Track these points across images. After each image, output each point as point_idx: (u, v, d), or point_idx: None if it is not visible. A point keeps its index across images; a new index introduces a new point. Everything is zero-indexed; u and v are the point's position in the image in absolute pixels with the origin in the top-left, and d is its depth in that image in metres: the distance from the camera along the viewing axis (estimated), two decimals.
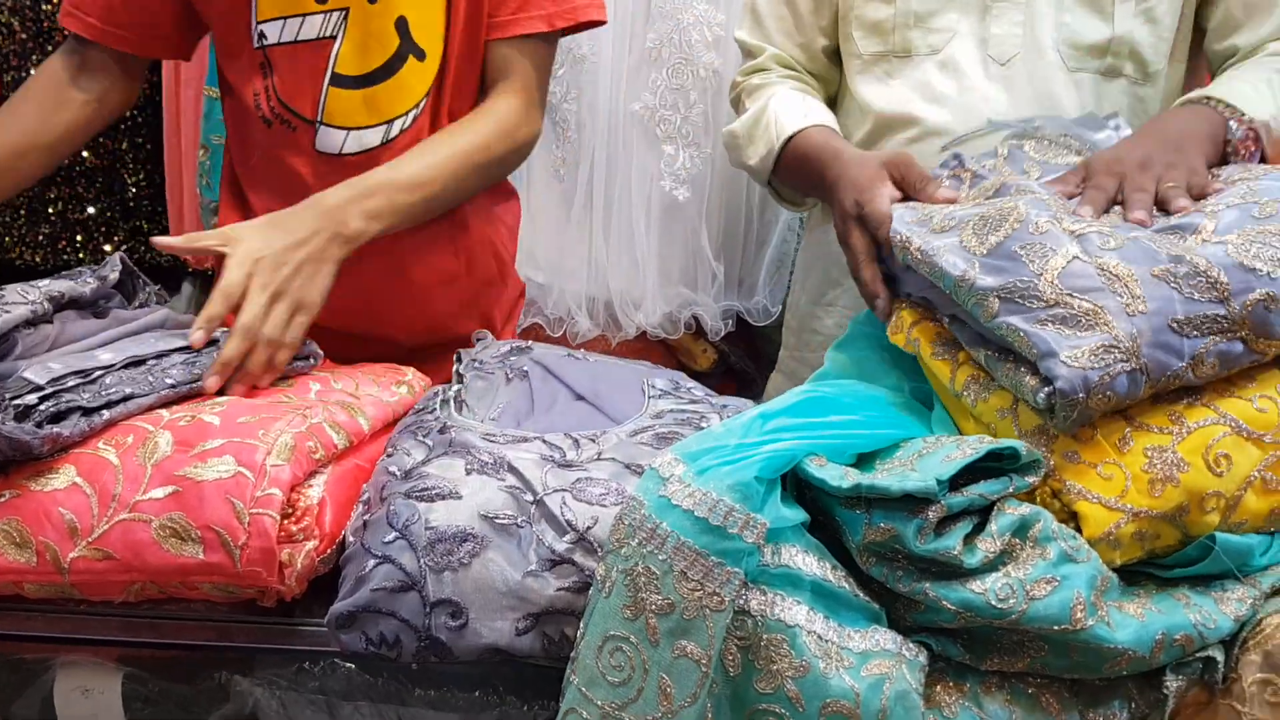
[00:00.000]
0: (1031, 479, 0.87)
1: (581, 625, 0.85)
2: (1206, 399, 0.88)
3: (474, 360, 1.21)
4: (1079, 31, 1.31)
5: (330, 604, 0.90)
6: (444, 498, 0.91)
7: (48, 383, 0.97)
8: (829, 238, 1.25)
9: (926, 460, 0.86)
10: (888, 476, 0.84)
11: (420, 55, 1.34)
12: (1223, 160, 1.12)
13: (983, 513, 0.85)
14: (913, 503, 0.82)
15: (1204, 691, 0.85)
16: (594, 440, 1.00)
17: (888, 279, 1.06)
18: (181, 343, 1.11)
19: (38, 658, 0.97)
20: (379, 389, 1.16)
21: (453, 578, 0.87)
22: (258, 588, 0.93)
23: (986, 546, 0.82)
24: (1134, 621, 0.83)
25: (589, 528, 0.88)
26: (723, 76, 1.85)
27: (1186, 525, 0.86)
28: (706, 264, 1.96)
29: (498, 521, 0.89)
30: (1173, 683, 0.83)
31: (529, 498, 0.91)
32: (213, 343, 1.12)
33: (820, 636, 0.82)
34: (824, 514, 0.87)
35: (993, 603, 0.81)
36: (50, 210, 1.99)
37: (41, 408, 0.95)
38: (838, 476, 0.85)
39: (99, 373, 1.01)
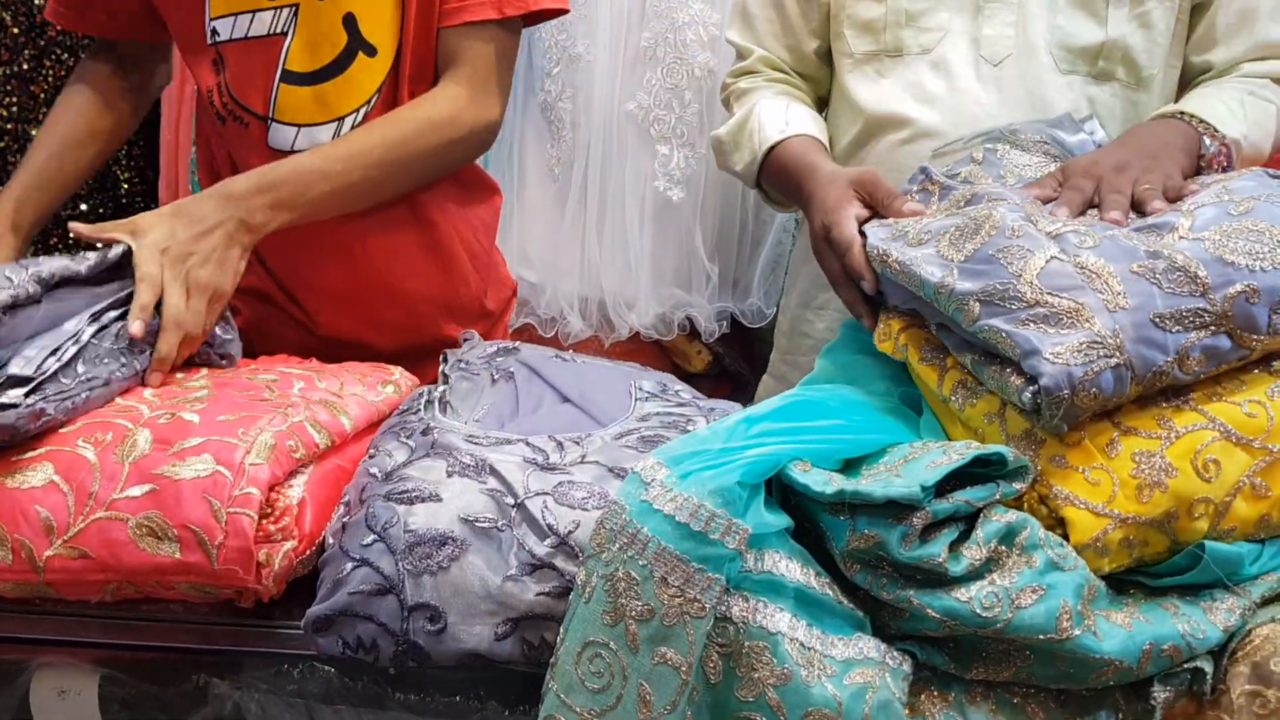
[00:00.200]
0: (1018, 485, 0.86)
1: (561, 631, 0.84)
2: (1195, 403, 0.88)
3: (460, 361, 1.20)
4: (1072, 34, 1.30)
5: (309, 606, 0.89)
6: (424, 500, 0.90)
7: (35, 371, 0.97)
8: None
9: (912, 466, 0.85)
10: (872, 482, 0.83)
11: (371, 51, 1.34)
12: (1196, 173, 1.13)
13: (968, 520, 0.84)
14: (897, 509, 0.81)
15: (1192, 703, 0.84)
16: (578, 443, 0.98)
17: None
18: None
19: (14, 659, 0.96)
20: (364, 388, 1.15)
21: (431, 581, 0.86)
22: (235, 588, 0.92)
23: (972, 554, 0.81)
24: (1121, 631, 0.82)
25: (570, 532, 0.87)
26: (718, 76, 1.84)
27: (1175, 532, 0.85)
28: (700, 265, 1.95)
29: (478, 525, 0.88)
30: (1160, 693, 0.83)
31: (510, 501, 0.90)
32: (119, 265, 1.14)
33: (803, 644, 0.81)
34: (808, 520, 0.86)
35: (977, 611, 0.80)
36: None
37: (29, 402, 0.95)
38: (822, 482, 0.84)
39: (69, 346, 1.02)
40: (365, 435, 1.09)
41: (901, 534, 0.81)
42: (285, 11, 1.32)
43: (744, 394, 1.88)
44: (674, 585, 0.80)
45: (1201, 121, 1.17)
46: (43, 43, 1.90)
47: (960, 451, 0.85)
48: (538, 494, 0.90)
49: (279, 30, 1.33)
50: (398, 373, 1.22)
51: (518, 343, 1.29)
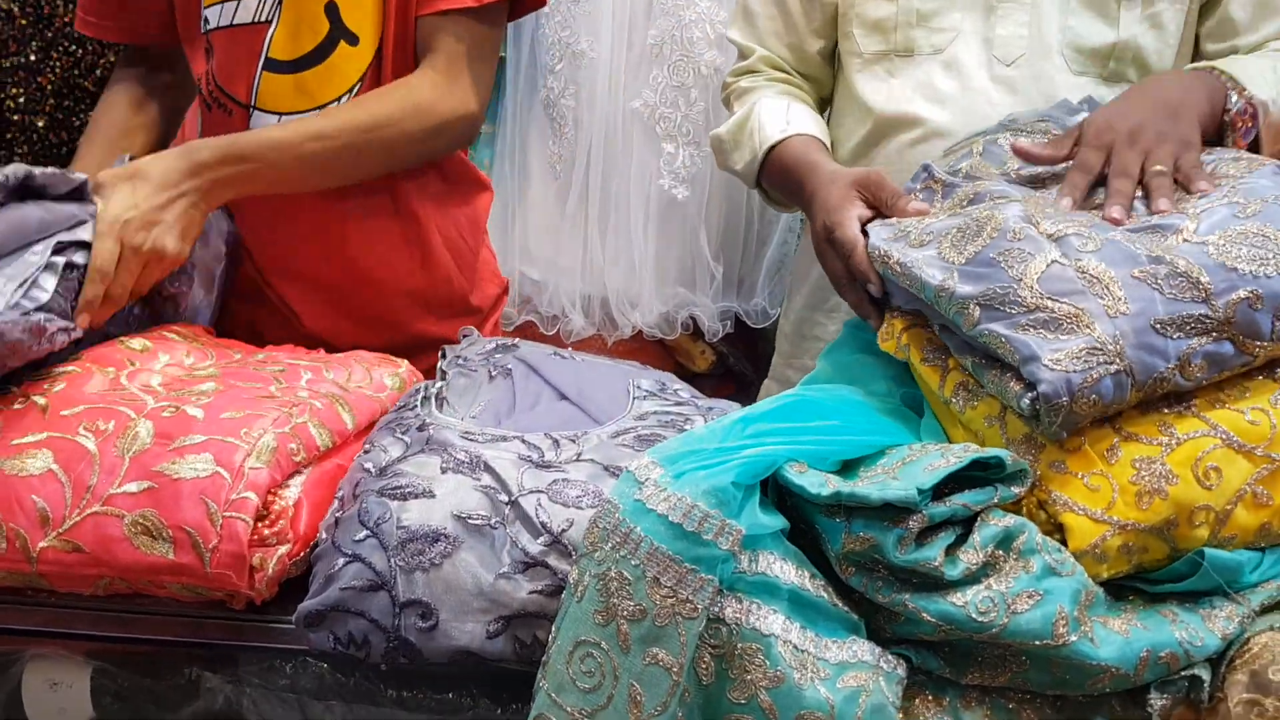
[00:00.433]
0: (1017, 489, 0.85)
1: (553, 629, 0.84)
2: (1197, 409, 0.87)
3: (458, 357, 1.20)
4: (1083, 35, 1.29)
5: (301, 602, 0.89)
6: (417, 496, 0.89)
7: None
8: None
9: (909, 469, 0.85)
10: (868, 485, 0.82)
11: (352, 40, 1.34)
12: (1218, 131, 1.11)
13: (966, 523, 0.83)
14: (894, 512, 0.81)
15: (1189, 710, 0.83)
16: (574, 441, 0.98)
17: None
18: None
19: (6, 650, 0.96)
20: (370, 382, 1.14)
21: (424, 578, 0.86)
22: (226, 591, 0.92)
23: (968, 558, 0.81)
24: (1118, 638, 0.81)
25: (564, 530, 0.87)
26: (724, 75, 1.83)
27: (1175, 539, 0.84)
28: (705, 264, 1.94)
29: (471, 522, 0.88)
30: (1157, 701, 0.82)
31: (504, 498, 0.89)
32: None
33: (796, 646, 0.80)
34: (804, 521, 0.85)
35: (973, 616, 0.79)
36: None
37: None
38: (817, 483, 0.83)
39: (34, 275, 1.03)
40: (366, 433, 1.08)
41: (898, 537, 0.80)
42: None
43: (748, 394, 1.87)
44: (666, 586, 0.80)
45: (1230, 78, 1.13)
46: (50, 34, 1.89)
47: (958, 454, 0.84)
48: (532, 491, 0.89)
49: (264, 18, 1.34)
50: (404, 365, 1.22)
51: (516, 340, 1.28)
